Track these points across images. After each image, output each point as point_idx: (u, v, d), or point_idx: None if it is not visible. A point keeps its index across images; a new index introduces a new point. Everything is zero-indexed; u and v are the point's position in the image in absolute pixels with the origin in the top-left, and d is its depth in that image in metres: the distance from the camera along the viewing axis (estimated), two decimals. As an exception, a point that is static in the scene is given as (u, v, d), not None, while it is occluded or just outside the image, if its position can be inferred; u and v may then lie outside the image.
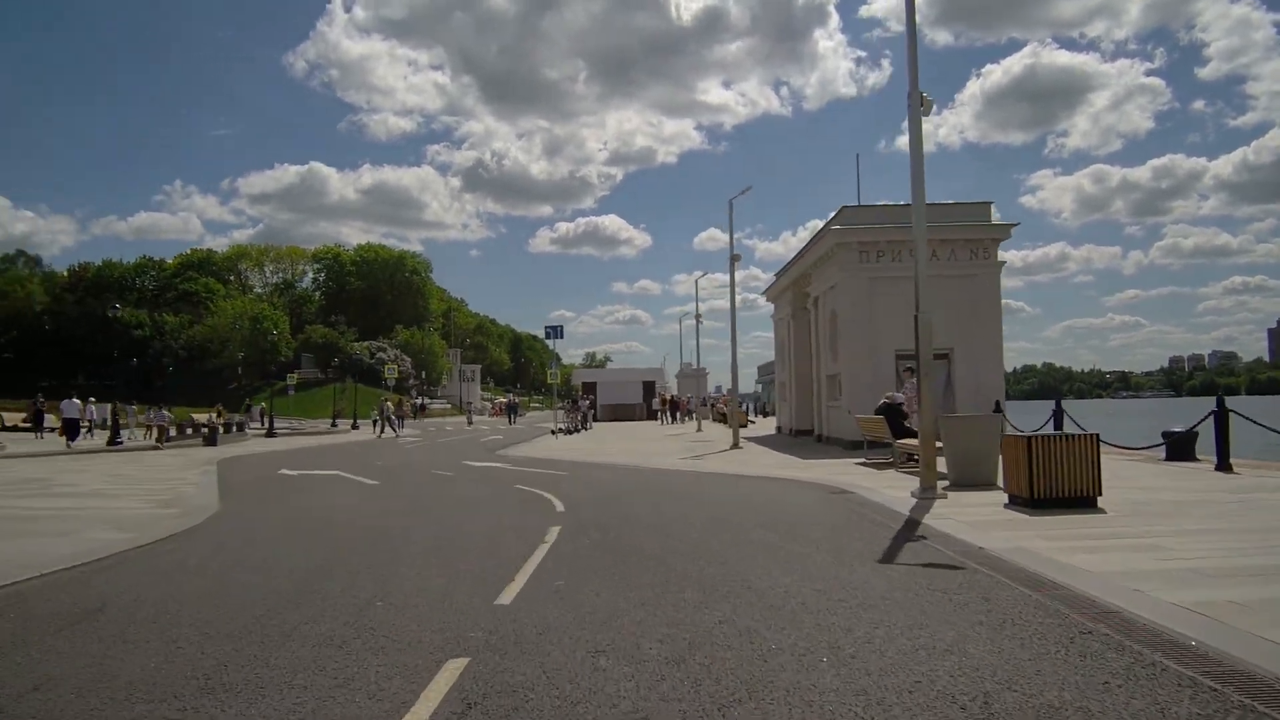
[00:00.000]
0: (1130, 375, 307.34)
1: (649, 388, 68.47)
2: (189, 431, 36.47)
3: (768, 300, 38.10)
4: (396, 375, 57.80)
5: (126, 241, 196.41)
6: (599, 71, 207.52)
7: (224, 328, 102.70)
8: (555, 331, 36.86)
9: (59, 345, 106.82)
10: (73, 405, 34.78)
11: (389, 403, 55.54)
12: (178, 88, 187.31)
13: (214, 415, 69.35)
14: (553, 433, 38.62)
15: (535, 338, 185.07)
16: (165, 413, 37.05)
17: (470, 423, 52.21)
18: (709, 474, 17.58)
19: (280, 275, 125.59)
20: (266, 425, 43.62)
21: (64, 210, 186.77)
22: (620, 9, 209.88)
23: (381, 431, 49.13)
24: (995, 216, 24.58)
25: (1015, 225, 25.13)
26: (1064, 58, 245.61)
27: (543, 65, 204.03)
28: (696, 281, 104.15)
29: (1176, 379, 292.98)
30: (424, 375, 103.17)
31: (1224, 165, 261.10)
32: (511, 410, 67.18)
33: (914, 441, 14.14)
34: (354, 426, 55.57)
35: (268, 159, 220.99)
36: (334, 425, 58.39)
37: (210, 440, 33.76)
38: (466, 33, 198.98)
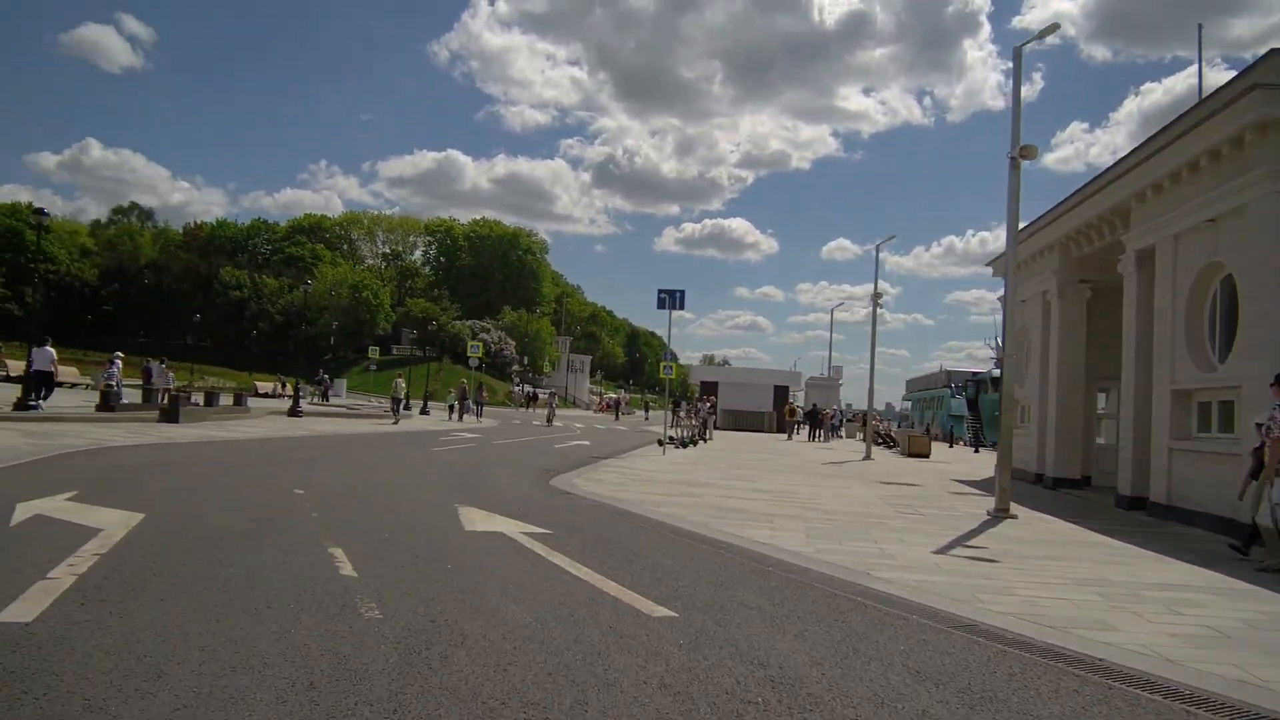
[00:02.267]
0: None
1: (781, 394, 55.80)
2: (162, 399, 25.81)
3: (995, 274, 25.28)
4: (481, 354, 46.84)
5: (271, 216, 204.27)
6: (735, 72, 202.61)
7: (322, 294, 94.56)
8: (673, 298, 24.94)
9: (160, 302, 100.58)
10: (44, 354, 24.46)
11: (466, 384, 44.95)
12: (328, 73, 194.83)
13: (278, 385, 60.50)
14: (660, 443, 26.87)
15: (653, 334, 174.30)
16: (114, 369, 26.60)
17: (550, 420, 40.69)
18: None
19: (390, 246, 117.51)
20: (293, 399, 32.99)
21: (217, 184, 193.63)
22: (761, 10, 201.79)
23: (461, 416, 40.90)
24: None
25: None
26: (1229, 77, 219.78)
27: (679, 64, 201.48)
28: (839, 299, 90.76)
29: None
30: (526, 360, 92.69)
31: None
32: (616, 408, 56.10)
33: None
34: (424, 411, 44.86)
35: (407, 144, 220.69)
36: (403, 408, 48.06)
37: (170, 413, 22.99)
38: (604, 29, 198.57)
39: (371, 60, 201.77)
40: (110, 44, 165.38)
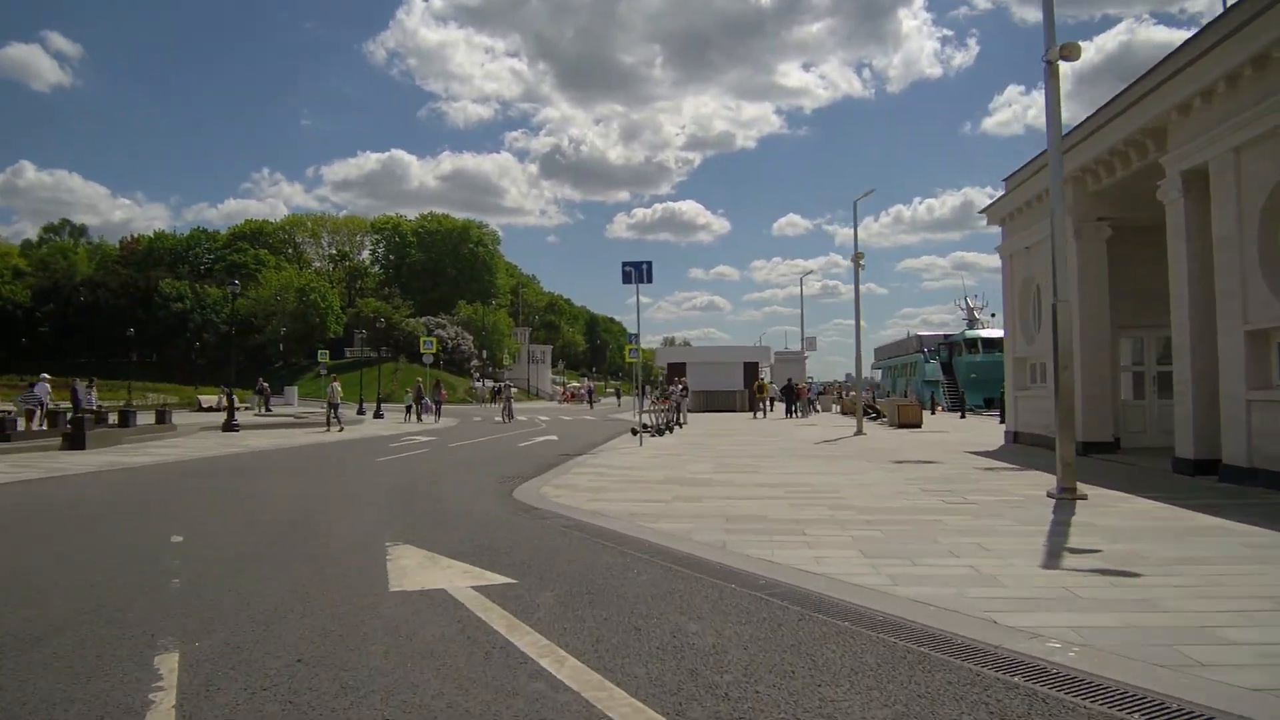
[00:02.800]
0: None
1: (751, 371, 53.39)
2: (67, 422, 22.75)
3: (991, 223, 22.92)
4: (436, 350, 43.97)
5: (214, 226, 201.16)
6: (675, 55, 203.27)
7: (268, 300, 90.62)
8: (639, 271, 22.28)
9: (100, 320, 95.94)
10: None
11: (422, 383, 42.10)
12: (264, 78, 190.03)
13: (222, 398, 57.05)
14: (634, 431, 24.39)
15: (612, 319, 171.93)
16: (36, 391, 23.57)
17: (508, 415, 37.06)
18: None
19: (337, 248, 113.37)
20: (227, 412, 29.92)
21: (159, 199, 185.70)
22: None
23: (419, 416, 39.10)
24: None
25: None
26: (1162, 33, 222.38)
27: (618, 50, 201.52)
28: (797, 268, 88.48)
29: None
30: (485, 354, 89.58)
31: None
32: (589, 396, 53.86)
33: None
34: (378, 414, 41.94)
35: (350, 147, 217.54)
36: (337, 414, 45.12)
37: (75, 439, 20.02)
38: (542, 19, 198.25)
39: (308, 63, 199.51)
40: (38, 63, 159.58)
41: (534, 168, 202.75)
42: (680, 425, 30.37)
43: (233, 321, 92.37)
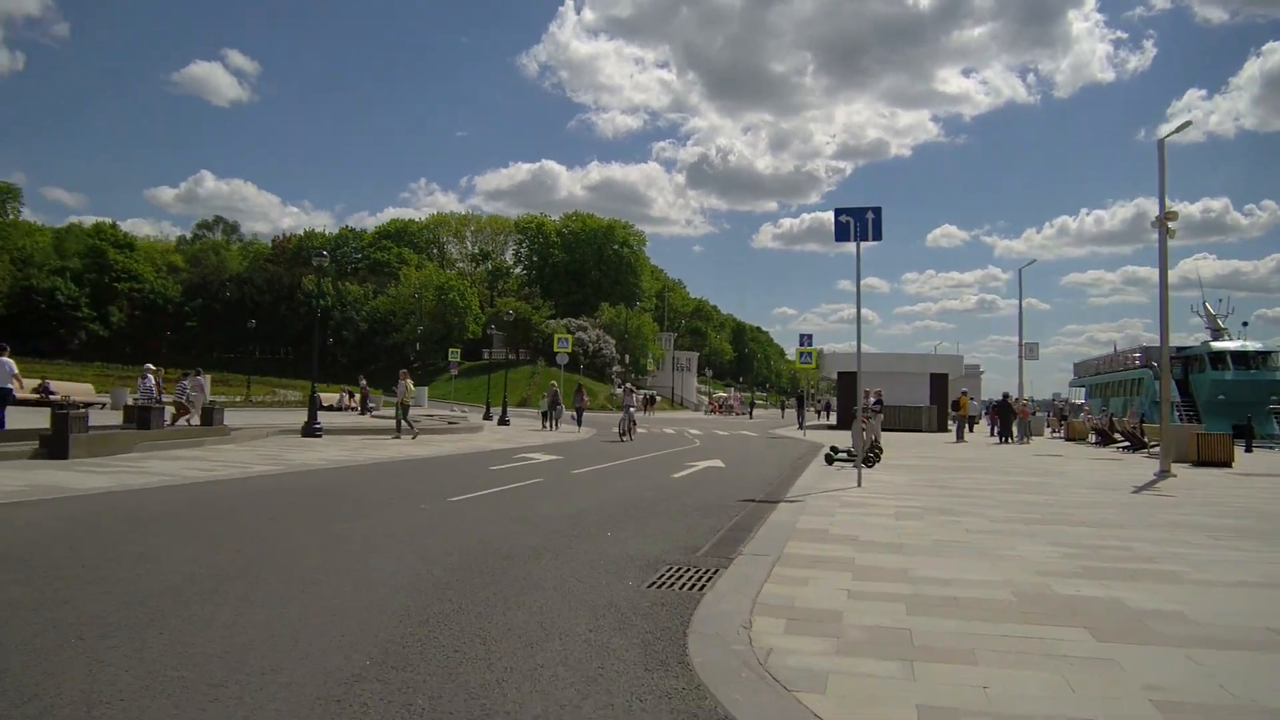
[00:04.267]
0: None
1: (939, 384, 44.60)
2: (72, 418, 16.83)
3: None
4: (570, 349, 37.56)
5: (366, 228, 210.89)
6: (827, 62, 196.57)
7: (407, 299, 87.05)
8: (860, 222, 14.87)
9: (244, 315, 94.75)
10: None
11: (558, 387, 35.62)
12: (424, 92, 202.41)
13: (345, 396, 52.35)
14: (828, 459, 17.14)
15: (760, 329, 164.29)
16: (147, 382, 18.62)
17: (628, 434, 27.06)
18: None
19: (480, 247, 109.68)
20: (308, 414, 23.92)
21: (324, 206, 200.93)
22: None
23: (555, 424, 33.11)
24: None
25: None
26: None
27: (768, 59, 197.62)
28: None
29: None
30: (627, 359, 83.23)
31: None
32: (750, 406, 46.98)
33: None
34: (503, 420, 35.72)
35: (503, 157, 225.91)
36: (405, 419, 39.22)
37: (55, 444, 14.01)
38: (691, 29, 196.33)
39: (464, 77, 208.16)
40: (218, 79, 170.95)
41: (681, 177, 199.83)
42: (875, 454, 22.62)
43: (377, 319, 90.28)
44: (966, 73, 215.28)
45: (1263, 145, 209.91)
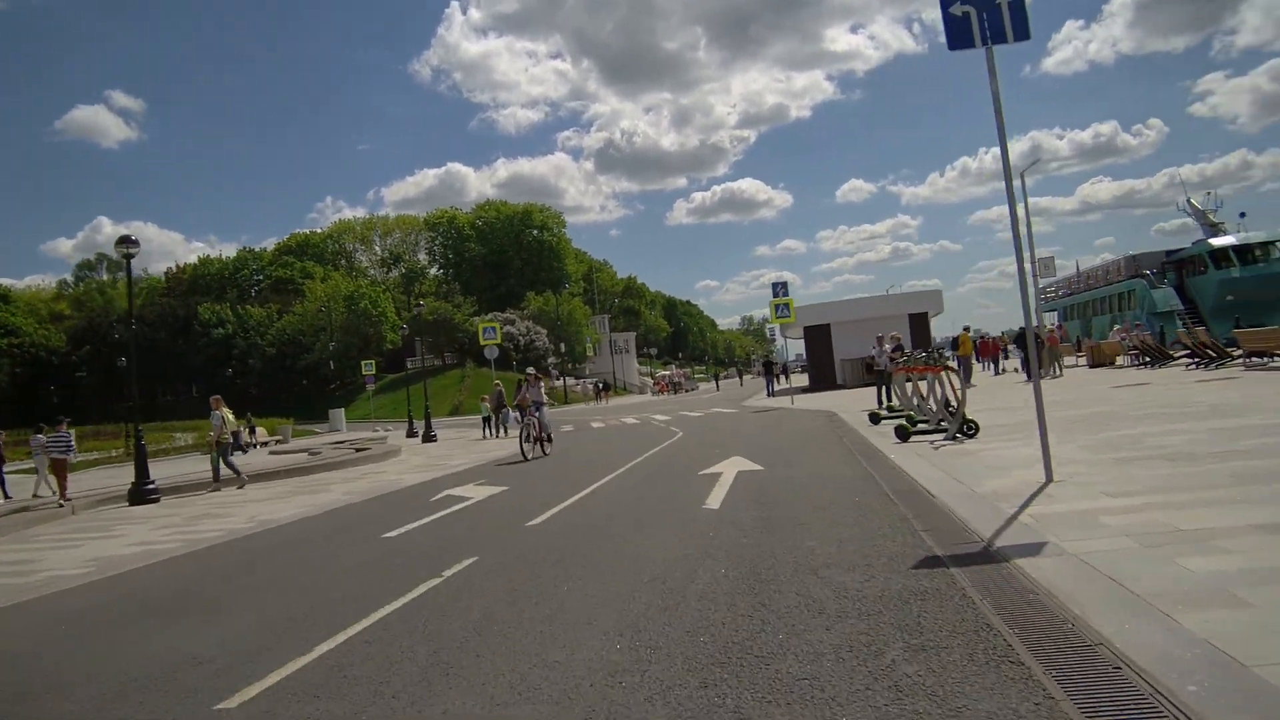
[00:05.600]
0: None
1: (920, 325, 38.90)
2: None
3: None
4: (497, 340, 30.88)
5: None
6: (718, 35, 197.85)
7: (315, 315, 78.99)
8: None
9: (140, 355, 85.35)
10: None
11: (502, 389, 28.98)
12: (320, 110, 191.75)
13: (245, 430, 44.85)
14: (873, 416, 11.31)
15: (690, 303, 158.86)
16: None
17: (538, 442, 17.69)
18: None
19: (390, 250, 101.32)
20: (136, 470, 16.89)
21: (230, 238, 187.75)
22: None
23: (502, 430, 27.21)
24: None
25: None
26: None
27: (660, 38, 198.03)
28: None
29: None
30: (562, 348, 76.49)
31: None
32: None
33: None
34: (429, 437, 28.90)
35: (408, 166, 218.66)
36: (232, 452, 32.50)
37: None
38: (580, 17, 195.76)
39: (358, 91, 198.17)
40: (103, 121, 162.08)
41: (589, 164, 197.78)
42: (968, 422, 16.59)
43: (285, 341, 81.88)
44: (854, 29, 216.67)
45: (1140, 66, 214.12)
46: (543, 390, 18.58)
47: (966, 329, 30.25)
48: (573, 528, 7.91)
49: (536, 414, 17.84)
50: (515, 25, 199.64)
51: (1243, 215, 44.46)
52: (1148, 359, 24.92)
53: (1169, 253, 44.62)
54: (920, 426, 12.92)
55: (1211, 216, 44.15)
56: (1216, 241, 41.38)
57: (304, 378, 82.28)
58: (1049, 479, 7.41)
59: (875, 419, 15.94)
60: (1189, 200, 46.22)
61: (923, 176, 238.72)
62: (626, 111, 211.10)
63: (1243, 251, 40.07)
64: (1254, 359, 19.23)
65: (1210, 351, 21.11)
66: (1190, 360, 22.01)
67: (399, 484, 14.56)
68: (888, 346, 21.78)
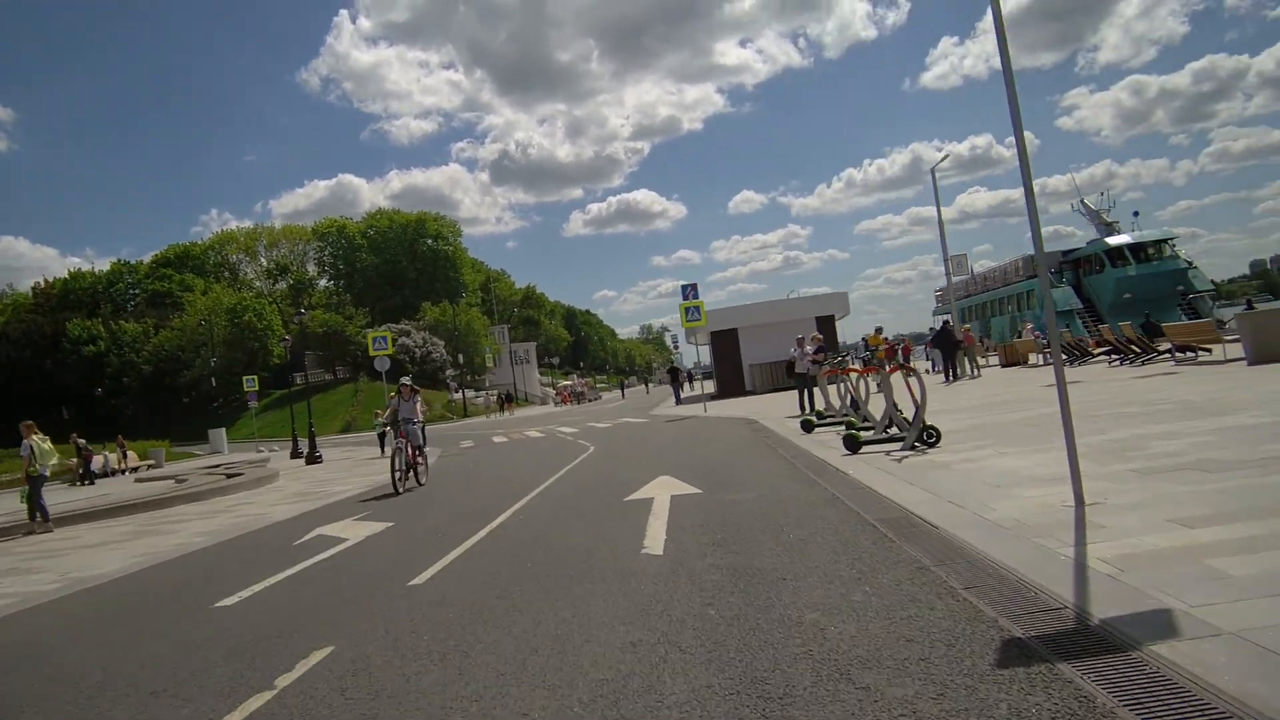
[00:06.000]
0: (1219, 284, 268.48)
1: (827, 329, 37.81)
2: None
3: None
4: (389, 351, 28.40)
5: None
6: (611, 47, 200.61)
7: (195, 329, 74.14)
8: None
9: (5, 378, 78.71)
10: None
11: (398, 401, 26.42)
12: (203, 120, 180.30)
13: (118, 456, 40.91)
14: (806, 424, 9.67)
15: (589, 313, 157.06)
16: None
17: (410, 472, 14.10)
18: None
19: (276, 261, 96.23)
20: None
21: (109, 252, 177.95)
22: None
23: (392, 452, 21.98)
24: None
25: None
26: None
27: (553, 49, 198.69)
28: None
29: (1274, 282, 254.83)
30: (460, 360, 73.61)
31: (1266, 60, 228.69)
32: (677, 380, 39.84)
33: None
34: (313, 458, 26.16)
35: (297, 177, 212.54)
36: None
37: None
38: (472, 27, 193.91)
39: (244, 99, 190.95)
40: None
41: (485, 176, 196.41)
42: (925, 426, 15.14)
43: (164, 357, 76.49)
44: (743, 43, 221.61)
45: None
46: (419, 405, 14.74)
47: (879, 330, 29.20)
48: (469, 591, 5.90)
49: (408, 432, 14.08)
50: (406, 34, 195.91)
51: (1136, 214, 45.24)
52: (1066, 357, 24.15)
53: (1066, 252, 44.95)
54: (865, 435, 11.33)
55: (1105, 215, 44.68)
56: (1113, 240, 41.70)
57: (185, 396, 77.08)
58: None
59: (809, 427, 14.35)
60: (1083, 201, 46.78)
61: (811, 188, 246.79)
62: (521, 123, 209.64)
63: (1138, 250, 40.47)
64: (1184, 353, 18.41)
65: (1134, 347, 20.31)
66: (1114, 357, 21.23)
67: (265, 519, 12.21)
68: (809, 348, 20.37)
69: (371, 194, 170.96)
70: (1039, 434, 9.85)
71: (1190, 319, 34.13)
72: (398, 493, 13.15)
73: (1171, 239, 41.22)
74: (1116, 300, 38.57)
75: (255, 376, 45.41)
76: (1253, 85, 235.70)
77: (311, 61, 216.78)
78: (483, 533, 8.27)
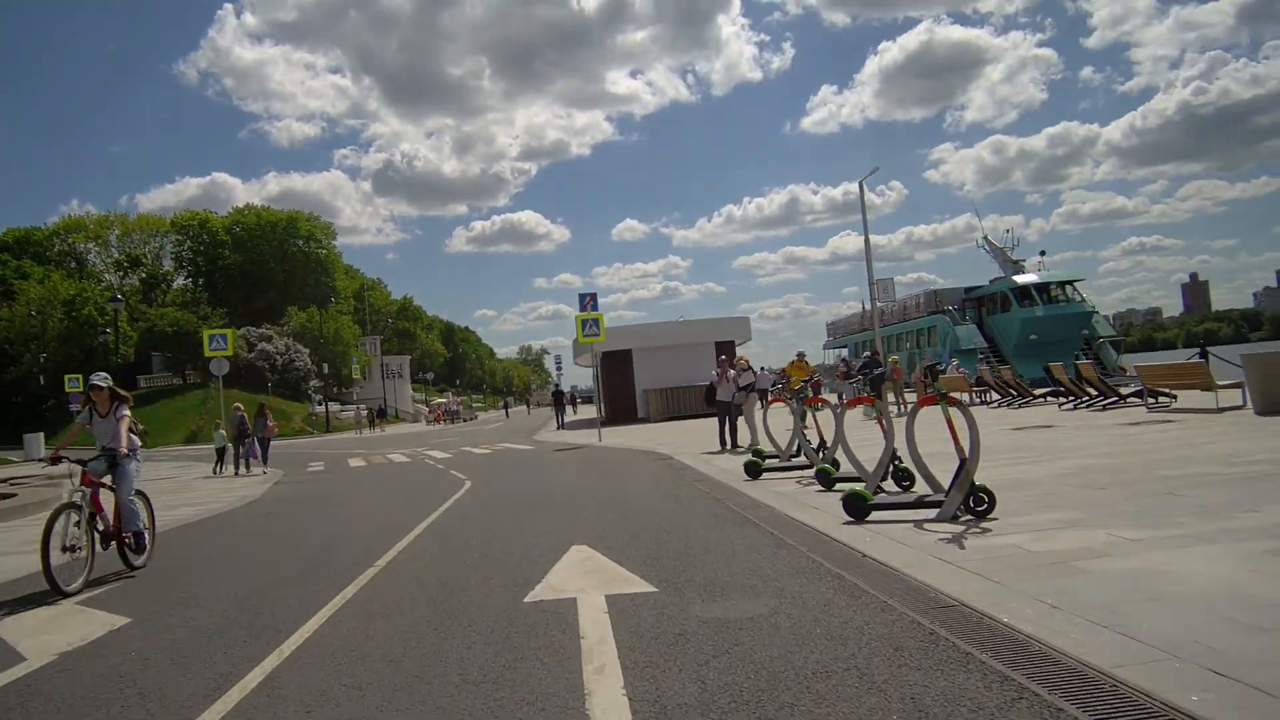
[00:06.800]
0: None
1: (728, 355, 34.89)
2: None
3: None
4: (229, 354, 23.77)
5: None
6: (503, 66, 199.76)
7: (24, 320, 65.94)
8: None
9: None
10: None
11: (244, 412, 22.06)
12: (67, 106, 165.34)
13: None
14: (750, 466, 6.38)
15: (469, 330, 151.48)
16: None
17: (110, 538, 7.74)
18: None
19: (129, 252, 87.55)
20: None
21: None
22: (520, 0, 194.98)
23: (241, 465, 21.65)
24: None
25: None
26: (958, 32, 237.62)
27: (445, 62, 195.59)
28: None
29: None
30: (325, 370, 67.75)
31: (1114, 131, 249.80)
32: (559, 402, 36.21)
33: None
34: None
35: (167, 173, 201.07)
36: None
37: None
38: (362, 33, 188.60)
39: (113, 87, 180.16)
40: None
41: (367, 185, 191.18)
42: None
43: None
44: (634, 74, 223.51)
45: (884, 132, 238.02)
46: (125, 421, 7.76)
47: (801, 354, 26.51)
48: None
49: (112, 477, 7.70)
50: (294, 35, 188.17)
51: (1042, 254, 44.39)
52: (1001, 397, 21.76)
53: (969, 289, 43.61)
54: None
55: (1009, 254, 43.52)
56: (1020, 279, 40.45)
57: (14, 395, 68.47)
58: None
59: (754, 470, 10.96)
60: (986, 238, 45.67)
61: (692, 220, 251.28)
62: (408, 134, 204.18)
63: (1044, 290, 39.28)
64: (1154, 399, 15.94)
65: (1091, 389, 17.82)
66: (1065, 400, 18.73)
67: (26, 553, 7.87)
68: (733, 373, 17.15)
69: (247, 194, 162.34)
70: (1125, 498, 6.67)
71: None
72: (61, 592, 6.80)
73: (1078, 280, 40.39)
74: (1022, 341, 37.22)
75: (79, 377, 39.12)
76: (1101, 153, 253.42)
77: (190, 54, 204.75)
78: (276, 665, 4.35)
